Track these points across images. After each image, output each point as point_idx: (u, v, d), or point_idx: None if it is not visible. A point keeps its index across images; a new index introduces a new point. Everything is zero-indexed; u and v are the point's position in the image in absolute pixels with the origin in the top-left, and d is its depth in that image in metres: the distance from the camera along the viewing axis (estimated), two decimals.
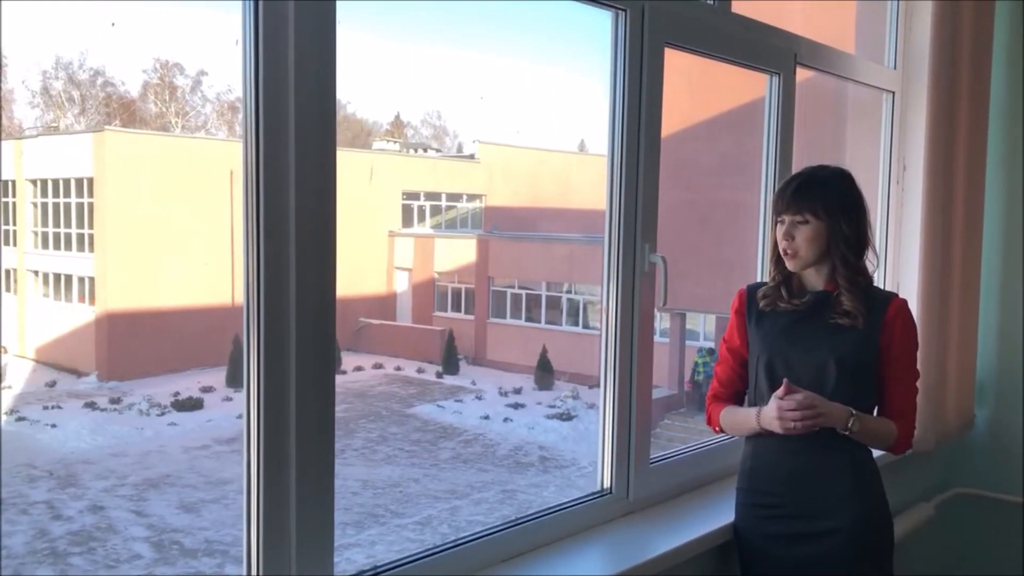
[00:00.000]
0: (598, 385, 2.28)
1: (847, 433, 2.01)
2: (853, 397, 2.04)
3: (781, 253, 2.08)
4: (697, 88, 12.14)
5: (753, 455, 2.16)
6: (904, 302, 2.12)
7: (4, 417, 15.00)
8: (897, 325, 2.07)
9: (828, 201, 2.04)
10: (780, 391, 1.98)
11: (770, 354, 2.09)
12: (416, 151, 27.56)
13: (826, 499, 2.07)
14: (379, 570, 1.72)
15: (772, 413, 1.99)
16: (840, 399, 2.01)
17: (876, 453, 2.17)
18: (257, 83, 1.44)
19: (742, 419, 2.14)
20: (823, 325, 2.07)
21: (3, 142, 20.10)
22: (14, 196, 20.18)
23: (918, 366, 2.16)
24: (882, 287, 3.07)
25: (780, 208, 2.07)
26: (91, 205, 18.86)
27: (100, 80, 23.77)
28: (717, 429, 2.23)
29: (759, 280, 2.28)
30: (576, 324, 20.20)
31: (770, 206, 2.48)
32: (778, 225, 2.08)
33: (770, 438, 2.06)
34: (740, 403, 2.22)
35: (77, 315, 18.90)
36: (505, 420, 16.26)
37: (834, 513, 2.06)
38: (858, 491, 2.08)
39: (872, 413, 2.10)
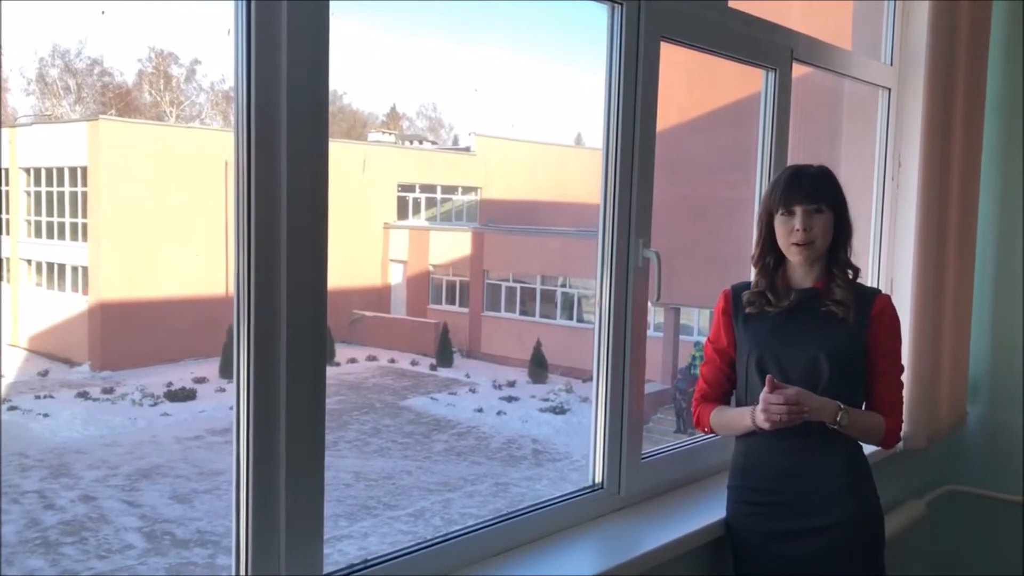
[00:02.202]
0: (591, 379, 2.28)
1: (836, 427, 2.01)
2: (843, 391, 2.05)
3: (790, 244, 2.06)
4: (694, 82, 12.13)
5: (746, 453, 2.16)
6: (888, 298, 2.15)
7: None
8: (884, 321, 2.10)
9: (836, 191, 2.09)
10: (766, 388, 1.98)
11: (760, 352, 2.10)
12: (411, 143, 27.52)
13: (820, 496, 2.08)
14: (370, 564, 1.72)
15: (758, 407, 2.00)
16: (831, 393, 2.03)
17: (868, 450, 2.18)
18: (249, 73, 1.43)
19: (734, 419, 2.14)
20: (811, 321, 2.08)
21: None
22: (7, 184, 20.12)
23: (906, 361, 2.19)
24: (876, 284, 3.09)
25: (794, 199, 2.05)
26: (85, 194, 18.82)
27: (97, 69, 23.71)
28: (706, 430, 2.23)
29: (750, 279, 2.28)
30: (571, 318, 20.22)
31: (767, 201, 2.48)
32: (782, 217, 2.07)
33: (763, 436, 2.06)
34: (727, 403, 2.22)
35: (70, 304, 18.87)
36: (499, 413, 16.28)
37: (828, 510, 2.07)
38: (852, 488, 2.09)
39: (860, 408, 2.11)
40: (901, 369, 2.16)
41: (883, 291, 2.20)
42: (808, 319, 2.08)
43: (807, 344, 2.07)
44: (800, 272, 2.12)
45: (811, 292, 2.10)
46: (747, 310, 2.14)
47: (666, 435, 13.95)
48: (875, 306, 2.10)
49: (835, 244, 2.09)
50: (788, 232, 2.06)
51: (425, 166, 24.50)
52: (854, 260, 2.15)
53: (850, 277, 2.11)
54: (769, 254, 2.12)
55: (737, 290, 2.19)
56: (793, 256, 2.08)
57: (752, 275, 2.21)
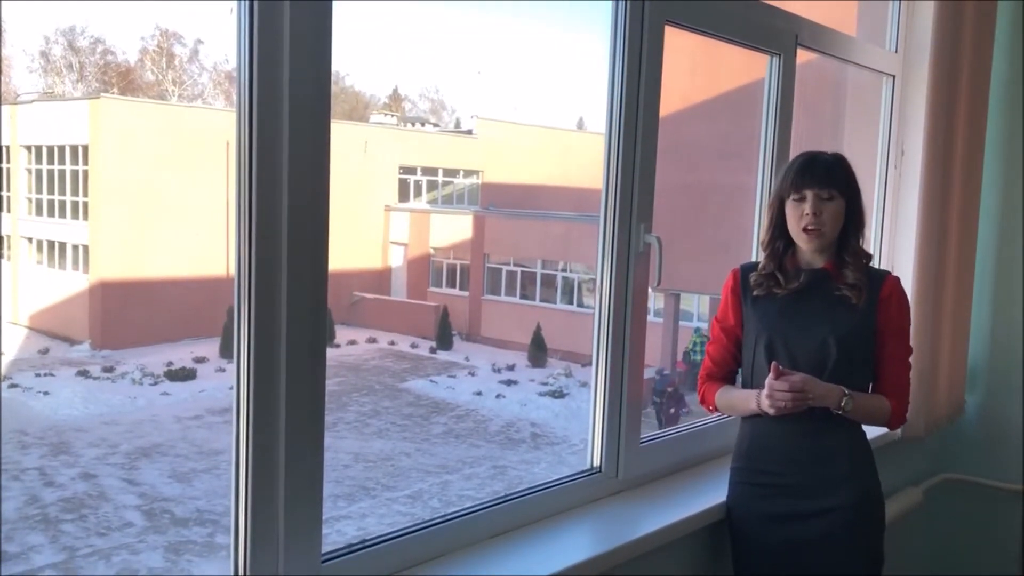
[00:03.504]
0: (591, 364, 2.28)
1: (840, 412, 2.02)
2: (851, 374, 2.06)
3: (800, 230, 2.05)
4: (698, 68, 12.08)
5: (751, 435, 2.17)
6: (898, 279, 2.15)
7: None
8: (892, 303, 2.10)
9: (850, 179, 2.08)
10: (771, 374, 1.99)
11: (770, 335, 2.10)
12: (413, 125, 27.43)
13: (822, 479, 2.09)
14: (368, 544, 1.73)
15: (764, 393, 2.01)
16: (839, 376, 2.03)
17: (870, 435, 2.19)
18: (252, 54, 1.42)
19: (739, 401, 2.15)
20: (821, 303, 2.08)
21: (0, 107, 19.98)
22: (8, 162, 20.08)
23: (911, 343, 2.19)
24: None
25: (807, 182, 2.04)
26: (86, 172, 18.78)
27: (100, 48, 23.61)
28: (711, 408, 2.23)
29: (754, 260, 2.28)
30: (571, 302, 20.21)
31: (768, 188, 2.47)
32: (793, 202, 2.06)
33: (767, 419, 2.07)
34: (733, 382, 2.23)
35: (71, 283, 18.86)
36: (498, 396, 16.30)
37: (830, 493, 2.08)
38: (854, 473, 2.11)
39: (867, 390, 2.12)
40: (909, 351, 2.17)
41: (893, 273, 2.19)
42: (818, 301, 2.09)
43: (816, 327, 2.07)
44: (810, 254, 2.12)
45: (821, 273, 2.10)
46: (755, 292, 2.14)
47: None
48: (884, 287, 2.10)
49: (845, 232, 2.08)
50: (798, 217, 2.06)
51: (427, 149, 24.43)
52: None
53: (862, 263, 2.11)
54: (779, 239, 2.12)
55: (746, 269, 2.19)
56: (803, 243, 2.08)
57: (758, 257, 2.21)
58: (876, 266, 3.07)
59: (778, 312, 2.11)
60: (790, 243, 2.12)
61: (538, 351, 18.67)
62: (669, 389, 14.20)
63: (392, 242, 22.73)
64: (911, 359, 2.18)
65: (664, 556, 2.12)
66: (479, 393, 16.37)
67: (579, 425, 14.29)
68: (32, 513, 10.19)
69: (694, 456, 2.51)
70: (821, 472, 2.10)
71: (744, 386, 2.19)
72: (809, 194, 2.04)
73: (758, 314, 2.13)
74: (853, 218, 2.08)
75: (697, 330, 16.37)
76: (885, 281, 2.12)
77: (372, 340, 19.70)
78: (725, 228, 12.44)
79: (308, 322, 1.53)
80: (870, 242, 3.14)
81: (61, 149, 19.39)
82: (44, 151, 19.85)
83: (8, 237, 20.18)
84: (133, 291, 18.14)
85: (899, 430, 2.79)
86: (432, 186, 24.57)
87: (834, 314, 2.07)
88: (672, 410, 13.81)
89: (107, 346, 17.50)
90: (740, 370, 2.23)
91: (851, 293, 2.06)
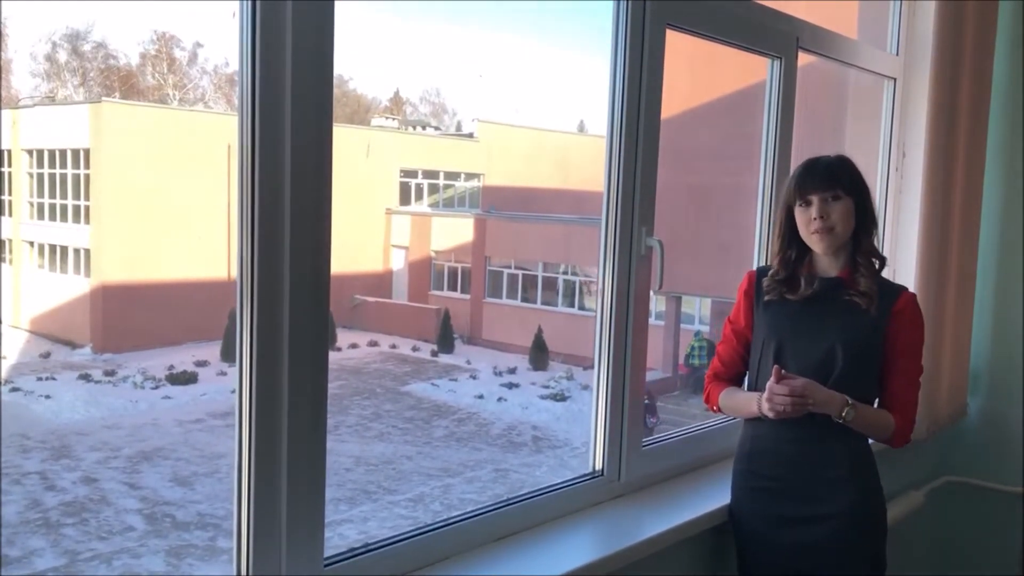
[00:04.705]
0: (592, 367, 2.28)
1: (841, 421, 2.01)
2: (856, 385, 2.04)
3: (810, 233, 2.04)
4: (698, 71, 12.08)
5: (752, 437, 2.16)
6: (913, 296, 2.11)
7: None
8: (905, 317, 2.07)
9: (855, 178, 2.06)
10: (772, 377, 1.98)
11: (779, 340, 2.09)
12: (415, 128, 27.46)
13: (823, 484, 2.08)
14: (371, 548, 1.73)
15: (764, 396, 2.00)
16: (844, 385, 2.02)
17: (871, 440, 2.18)
18: (254, 57, 1.42)
19: (742, 403, 2.14)
20: (832, 310, 2.06)
21: (0, 112, 20.00)
22: (10, 166, 20.11)
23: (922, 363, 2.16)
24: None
25: (810, 186, 2.03)
26: (87, 176, 18.81)
27: (102, 53, 23.66)
28: (715, 408, 2.23)
29: (762, 263, 2.27)
30: (572, 305, 20.22)
31: (770, 190, 2.46)
32: (800, 208, 2.05)
33: (770, 422, 2.06)
34: (740, 384, 2.23)
35: (72, 286, 18.89)
36: (499, 400, 16.31)
37: (831, 498, 2.07)
38: (855, 477, 2.09)
39: (872, 404, 2.10)
40: (920, 370, 2.13)
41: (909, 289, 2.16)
42: (829, 308, 2.07)
43: (825, 333, 2.06)
44: (825, 262, 2.10)
45: (835, 281, 2.08)
46: (766, 297, 2.13)
47: (666, 424, 13.97)
48: (899, 302, 2.07)
49: (858, 233, 2.06)
50: (807, 222, 2.04)
51: (428, 152, 24.46)
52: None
53: (876, 267, 2.09)
54: (791, 247, 2.10)
55: (761, 273, 2.18)
56: (815, 245, 2.06)
57: (763, 261, 2.20)
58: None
59: (788, 317, 2.10)
60: (803, 251, 2.11)
61: (539, 354, 18.68)
62: (656, 409, 14.18)
63: (393, 245, 22.76)
64: (920, 378, 2.14)
65: (667, 559, 2.11)
66: (480, 396, 16.38)
67: (581, 428, 14.29)
68: (33, 517, 10.20)
69: (697, 459, 2.51)
70: (821, 476, 2.09)
71: (749, 389, 2.19)
72: (815, 198, 2.03)
73: (768, 318, 2.13)
74: (863, 218, 2.06)
75: (697, 334, 16.37)
76: (901, 295, 2.09)
77: (373, 343, 19.72)
78: (727, 230, 12.44)
79: (310, 325, 1.53)
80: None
81: (63, 153, 19.43)
82: (46, 155, 19.89)
83: (10, 241, 20.22)
84: (134, 295, 18.16)
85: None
86: (433, 189, 24.59)
87: (844, 322, 2.05)
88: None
89: (108, 350, 17.53)
90: (748, 372, 2.22)
91: (861, 300, 2.04)
